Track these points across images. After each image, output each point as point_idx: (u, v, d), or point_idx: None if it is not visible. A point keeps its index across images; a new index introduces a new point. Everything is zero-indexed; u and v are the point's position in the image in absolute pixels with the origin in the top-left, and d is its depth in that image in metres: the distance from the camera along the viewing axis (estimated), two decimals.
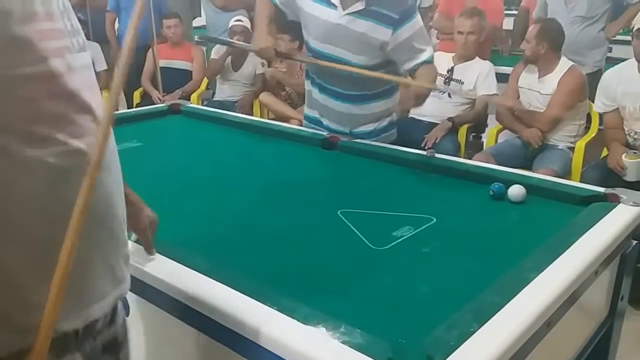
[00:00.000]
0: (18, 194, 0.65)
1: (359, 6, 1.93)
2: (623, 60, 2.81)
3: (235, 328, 0.97)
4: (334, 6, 1.97)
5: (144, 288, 1.12)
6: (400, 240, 1.36)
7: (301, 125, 2.38)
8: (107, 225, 0.76)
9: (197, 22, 5.12)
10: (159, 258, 1.16)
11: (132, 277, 1.14)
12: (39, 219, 0.67)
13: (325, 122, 2.20)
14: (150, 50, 4.14)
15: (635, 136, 2.69)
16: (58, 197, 0.67)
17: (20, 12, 0.61)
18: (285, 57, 2.33)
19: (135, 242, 1.14)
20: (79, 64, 0.69)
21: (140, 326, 1.20)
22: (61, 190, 0.67)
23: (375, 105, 2.13)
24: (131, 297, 1.17)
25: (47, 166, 0.65)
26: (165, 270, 1.12)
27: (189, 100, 3.92)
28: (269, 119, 3.72)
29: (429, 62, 1.98)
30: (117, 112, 2.62)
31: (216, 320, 1.00)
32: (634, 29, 2.56)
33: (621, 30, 3.77)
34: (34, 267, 0.67)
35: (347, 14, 1.95)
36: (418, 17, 1.97)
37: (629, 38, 2.66)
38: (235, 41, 2.35)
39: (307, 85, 2.25)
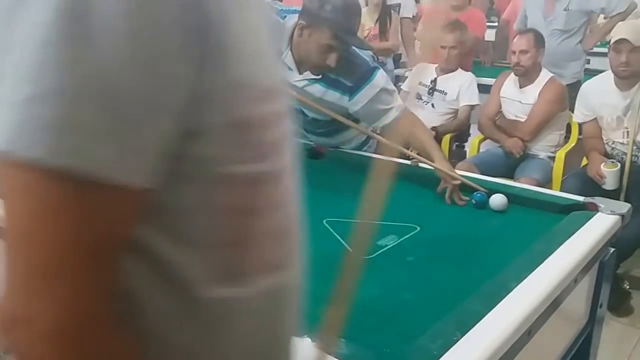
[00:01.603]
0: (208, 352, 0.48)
1: (314, 75, 1.88)
2: (601, 71, 2.87)
3: None
4: (289, 68, 1.90)
5: None
6: (384, 249, 1.37)
7: None
8: None
9: None
10: None
11: None
12: None
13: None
14: None
15: (613, 145, 2.75)
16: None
17: (254, 86, 0.46)
18: None
19: None
20: (291, 155, 0.54)
21: None
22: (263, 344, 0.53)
23: (348, 132, 2.11)
24: None
25: (246, 311, 0.50)
26: None
27: None
28: None
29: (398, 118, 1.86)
30: None
31: None
32: (611, 42, 2.63)
33: (599, 43, 3.86)
34: None
35: (304, 79, 1.89)
36: (377, 78, 1.85)
37: (606, 50, 2.73)
38: None
39: None
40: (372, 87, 1.85)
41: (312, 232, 1.57)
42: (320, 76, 1.88)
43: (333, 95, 1.89)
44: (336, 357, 0.88)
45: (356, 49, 1.88)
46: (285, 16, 1.91)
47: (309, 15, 1.76)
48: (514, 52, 3.04)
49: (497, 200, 1.60)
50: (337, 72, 1.85)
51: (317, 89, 1.90)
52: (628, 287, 2.57)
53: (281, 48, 1.90)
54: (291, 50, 1.88)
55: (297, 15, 1.83)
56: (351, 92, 1.86)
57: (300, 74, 1.90)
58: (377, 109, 1.88)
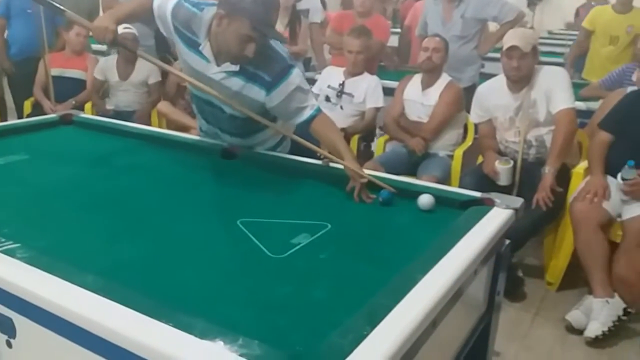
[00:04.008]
0: None
1: (233, 67, 1.87)
2: (495, 75, 3.07)
3: (131, 348, 0.94)
4: (207, 59, 1.89)
5: (31, 309, 1.06)
6: (298, 247, 1.39)
7: None
8: None
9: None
10: (47, 277, 1.10)
11: (18, 297, 1.09)
12: None
13: (221, 143, 2.19)
14: (42, 59, 3.95)
15: (506, 144, 2.95)
16: None
17: None
18: (129, 50, 2.17)
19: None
20: None
21: (28, 350, 1.13)
22: None
23: (263, 133, 2.12)
24: (17, 319, 1.11)
25: None
26: (54, 289, 1.06)
27: (83, 110, 3.75)
28: (167, 128, 3.63)
29: (316, 115, 1.91)
30: (3, 124, 2.46)
31: (110, 341, 0.96)
32: (503, 49, 2.82)
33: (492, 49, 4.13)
34: None
35: (222, 71, 1.88)
36: (294, 75, 1.87)
37: (499, 55, 2.93)
38: (67, 10, 2.04)
39: (195, 109, 2.21)
40: (288, 84, 1.87)
41: (226, 233, 1.58)
42: (238, 68, 1.87)
43: (251, 90, 1.89)
44: None
45: (275, 46, 1.90)
46: (204, 8, 1.89)
47: (228, 5, 1.75)
48: (426, 49, 3.19)
49: (425, 200, 1.64)
50: (257, 65, 1.86)
51: (236, 82, 1.89)
52: (522, 274, 2.77)
53: (199, 40, 1.88)
54: (209, 41, 1.86)
55: (215, 7, 1.82)
56: (269, 87, 1.87)
57: (218, 66, 1.88)
58: (292, 107, 1.90)
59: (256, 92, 1.89)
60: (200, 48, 1.88)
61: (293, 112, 1.91)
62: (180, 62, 2.06)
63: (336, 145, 1.88)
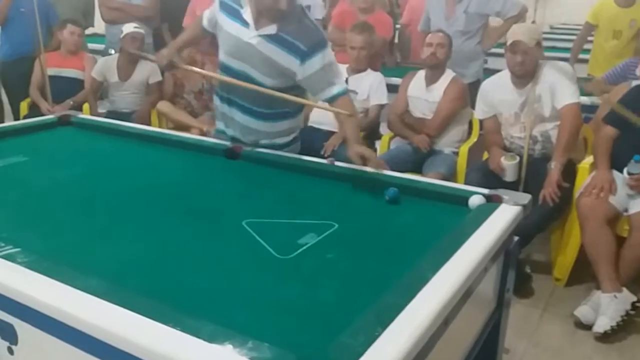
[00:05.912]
0: None
1: (271, 30, 1.94)
2: (498, 71, 3.04)
3: (137, 353, 0.92)
4: (246, 24, 1.98)
5: (33, 314, 1.05)
6: (304, 247, 1.37)
7: (202, 135, 2.36)
8: None
9: (88, 31, 4.91)
10: (48, 281, 1.08)
11: (18, 303, 1.07)
12: None
13: (230, 132, 2.19)
14: (38, 59, 3.91)
15: (512, 140, 2.93)
16: None
17: None
18: (180, 68, 2.39)
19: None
20: None
21: (31, 357, 1.12)
22: None
23: (283, 123, 2.15)
24: (19, 325, 1.09)
25: None
26: (56, 294, 1.05)
27: (81, 110, 3.72)
28: (168, 128, 3.62)
29: (342, 94, 1.99)
30: (0, 125, 2.44)
31: (116, 347, 0.95)
32: (507, 44, 2.79)
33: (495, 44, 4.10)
34: None
35: (259, 35, 1.96)
36: (328, 50, 1.98)
37: (501, 50, 2.90)
38: (148, 55, 2.53)
39: (216, 100, 2.24)
40: (325, 56, 1.96)
41: (232, 234, 1.56)
42: (275, 31, 1.94)
43: (285, 58, 1.95)
44: None
45: (314, 21, 2.02)
46: None
47: None
48: (430, 45, 3.17)
49: (475, 200, 1.62)
50: (295, 35, 1.94)
51: (270, 49, 1.95)
52: (529, 270, 2.75)
53: (241, 7, 1.99)
54: (249, 6, 1.98)
55: None
56: (303, 56, 1.93)
57: (257, 30, 1.96)
58: (324, 81, 1.98)
59: (290, 61, 1.95)
60: (242, 12, 1.99)
61: (323, 86, 1.98)
62: (219, 45, 2.16)
63: (346, 128, 1.99)
